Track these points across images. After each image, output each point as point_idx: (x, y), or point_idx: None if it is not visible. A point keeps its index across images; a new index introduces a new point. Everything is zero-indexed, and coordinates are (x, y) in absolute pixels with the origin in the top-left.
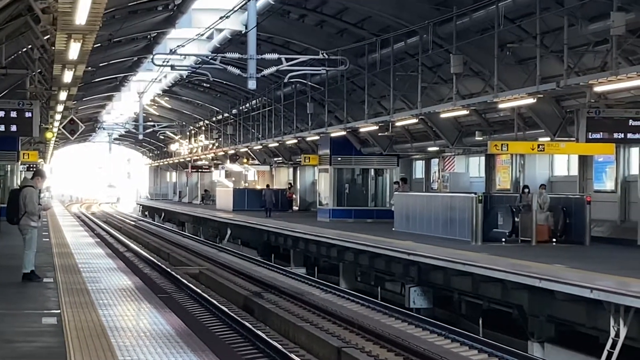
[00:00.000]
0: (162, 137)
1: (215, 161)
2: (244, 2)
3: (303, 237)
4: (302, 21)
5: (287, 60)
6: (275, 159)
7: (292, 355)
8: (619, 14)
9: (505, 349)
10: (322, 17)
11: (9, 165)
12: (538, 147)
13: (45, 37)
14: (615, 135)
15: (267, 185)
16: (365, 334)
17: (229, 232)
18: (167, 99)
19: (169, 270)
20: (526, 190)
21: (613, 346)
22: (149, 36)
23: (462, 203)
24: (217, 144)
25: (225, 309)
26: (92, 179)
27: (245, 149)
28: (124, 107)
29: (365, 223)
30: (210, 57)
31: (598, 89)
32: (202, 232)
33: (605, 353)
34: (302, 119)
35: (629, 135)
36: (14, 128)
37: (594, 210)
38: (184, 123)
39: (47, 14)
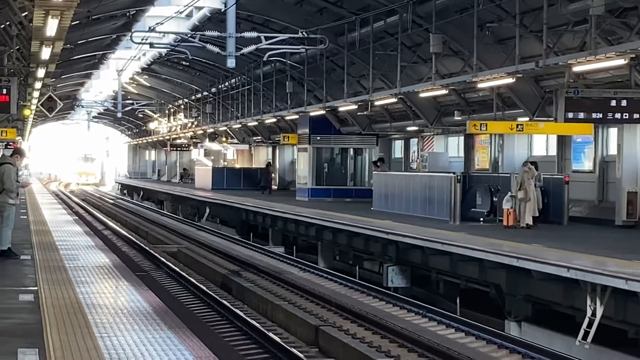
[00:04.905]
0: (141, 116)
1: (194, 140)
2: None
3: (282, 216)
4: None
5: (267, 38)
6: (255, 137)
7: (270, 334)
8: None
9: (482, 327)
10: None
11: None
12: (517, 126)
13: (23, 14)
14: (594, 115)
15: (268, 164)
16: (343, 313)
17: (207, 210)
18: (146, 77)
19: (147, 248)
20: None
21: (589, 325)
22: (127, 14)
23: (441, 183)
24: (196, 123)
25: (203, 287)
26: (71, 156)
27: (225, 128)
28: (102, 85)
29: (344, 202)
30: (189, 35)
31: (577, 69)
32: (181, 210)
33: (581, 332)
34: (281, 98)
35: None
36: None
37: (572, 190)
38: (162, 101)
39: None
